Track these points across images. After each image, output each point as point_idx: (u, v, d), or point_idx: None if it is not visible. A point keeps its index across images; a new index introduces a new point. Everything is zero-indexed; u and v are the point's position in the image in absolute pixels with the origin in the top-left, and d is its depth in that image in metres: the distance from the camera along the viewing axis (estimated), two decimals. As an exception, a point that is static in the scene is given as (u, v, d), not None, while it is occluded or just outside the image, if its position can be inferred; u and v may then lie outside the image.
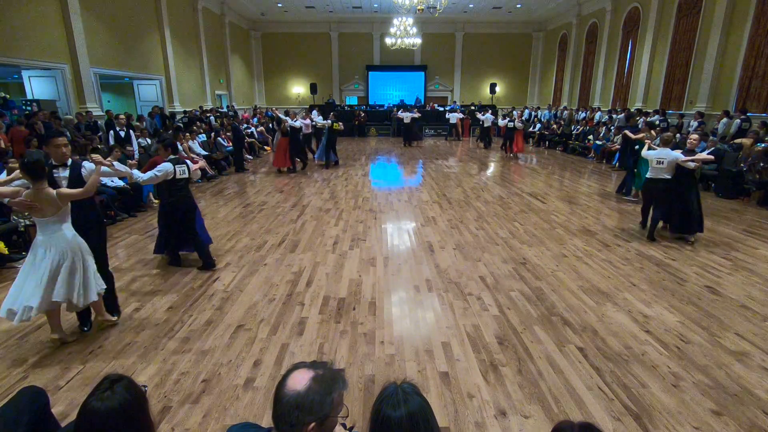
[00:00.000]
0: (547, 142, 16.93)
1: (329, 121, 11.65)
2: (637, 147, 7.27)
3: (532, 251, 5.36)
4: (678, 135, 10.41)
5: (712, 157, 5.86)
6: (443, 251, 5.38)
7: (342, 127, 12.47)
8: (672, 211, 5.64)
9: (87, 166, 3.40)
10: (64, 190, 3.13)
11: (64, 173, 3.33)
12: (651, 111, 13.41)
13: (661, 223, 5.90)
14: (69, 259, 3.14)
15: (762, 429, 2.45)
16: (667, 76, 13.56)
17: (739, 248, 5.45)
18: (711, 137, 9.46)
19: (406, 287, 4.39)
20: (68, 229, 3.19)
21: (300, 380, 1.21)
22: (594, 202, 7.95)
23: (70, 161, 3.39)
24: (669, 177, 5.54)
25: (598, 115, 16.22)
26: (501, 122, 15.30)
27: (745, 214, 7.14)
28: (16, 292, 3.11)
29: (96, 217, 3.65)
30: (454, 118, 19.19)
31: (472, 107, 21.21)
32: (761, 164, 7.62)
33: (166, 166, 4.52)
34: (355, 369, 3.02)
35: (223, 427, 2.47)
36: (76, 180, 3.33)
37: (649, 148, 5.91)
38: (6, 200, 3.04)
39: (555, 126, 16.84)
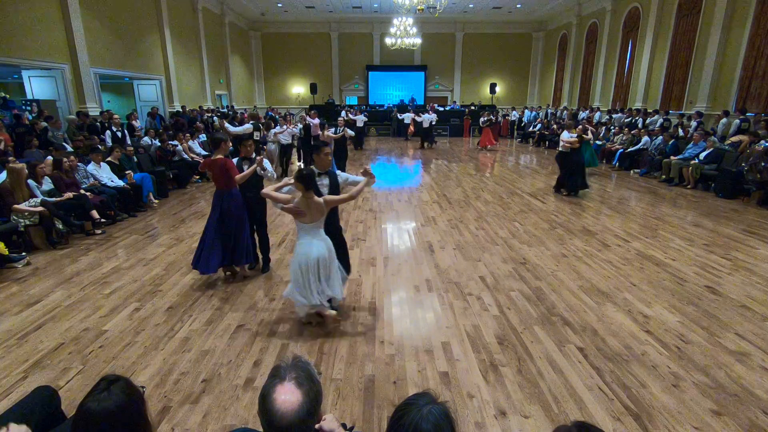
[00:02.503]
0: (547, 142, 16.92)
1: (340, 130, 9.51)
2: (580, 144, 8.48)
3: (532, 251, 5.36)
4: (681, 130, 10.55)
5: (575, 139, 8.22)
6: (443, 251, 5.38)
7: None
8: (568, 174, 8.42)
9: (341, 174, 3.71)
10: (330, 197, 3.38)
11: (324, 180, 3.58)
12: (651, 111, 13.44)
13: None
14: (326, 258, 3.37)
15: (762, 429, 2.45)
16: (667, 76, 13.56)
17: (739, 248, 5.45)
18: (711, 137, 9.46)
19: (406, 287, 4.39)
20: (323, 236, 3.41)
21: (292, 401, 1.13)
22: (594, 202, 7.94)
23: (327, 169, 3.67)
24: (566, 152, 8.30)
25: (597, 115, 16.22)
26: (482, 118, 17.06)
27: (745, 214, 7.14)
28: (292, 288, 3.44)
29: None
30: (408, 118, 18.04)
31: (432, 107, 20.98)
32: (763, 164, 7.61)
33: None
34: (355, 369, 3.02)
35: (223, 427, 2.47)
36: (334, 187, 3.60)
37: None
38: (279, 206, 3.34)
39: (555, 126, 16.83)
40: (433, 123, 16.96)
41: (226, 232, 4.36)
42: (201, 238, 4.45)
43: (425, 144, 16.90)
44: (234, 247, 4.41)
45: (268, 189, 3.42)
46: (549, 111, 19.60)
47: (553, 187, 8.80)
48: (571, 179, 8.36)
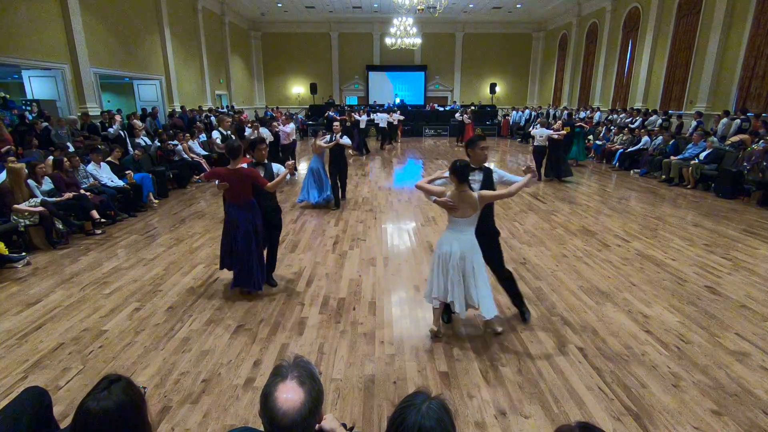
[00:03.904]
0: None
1: (336, 137, 7.36)
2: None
3: (532, 251, 5.36)
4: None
5: (564, 132, 9.89)
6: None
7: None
8: (549, 163, 9.93)
9: (497, 171, 3.47)
10: (485, 192, 3.25)
11: (477, 176, 3.40)
12: (650, 110, 13.45)
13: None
14: (468, 260, 3.22)
15: (762, 429, 2.45)
16: (667, 76, 13.55)
17: (739, 248, 5.45)
18: (711, 138, 9.45)
19: (406, 287, 4.39)
20: (472, 234, 3.27)
21: (294, 400, 1.13)
22: (594, 202, 7.95)
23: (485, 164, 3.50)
24: (545, 145, 9.71)
25: (597, 115, 16.23)
26: (458, 116, 18.29)
27: (745, 214, 7.14)
28: (429, 283, 3.40)
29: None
30: (383, 121, 16.84)
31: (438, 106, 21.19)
32: (764, 163, 7.61)
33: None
34: (355, 369, 3.02)
35: (223, 427, 2.47)
36: (487, 184, 3.38)
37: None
38: (432, 198, 3.26)
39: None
40: (396, 123, 16.95)
41: (236, 251, 4.01)
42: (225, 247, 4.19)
43: (383, 146, 16.58)
44: (241, 268, 4.02)
45: (422, 181, 3.34)
46: (550, 111, 19.60)
47: (544, 174, 10.19)
48: (555, 167, 9.91)
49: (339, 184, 7.58)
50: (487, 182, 3.38)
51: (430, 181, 3.34)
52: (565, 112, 18.04)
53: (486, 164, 3.49)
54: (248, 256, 3.97)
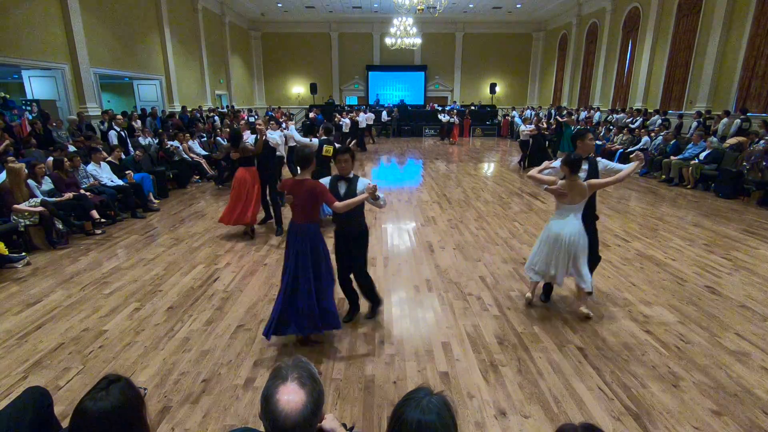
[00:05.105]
0: (547, 142, 16.90)
1: (316, 141, 6.50)
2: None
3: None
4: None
5: (533, 129, 11.51)
6: (443, 251, 5.37)
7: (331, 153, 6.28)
8: (528, 156, 11.51)
9: (602, 161, 3.70)
10: (594, 180, 3.51)
11: (584, 165, 3.60)
12: (651, 111, 13.44)
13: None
14: (575, 243, 3.50)
15: (762, 429, 2.45)
16: (667, 76, 13.55)
17: (739, 248, 5.45)
18: (711, 138, 9.45)
19: (406, 287, 4.39)
20: (579, 219, 3.54)
21: (296, 401, 1.12)
22: (594, 202, 7.94)
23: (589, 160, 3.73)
24: (528, 140, 11.55)
25: (597, 115, 16.22)
26: (441, 117, 18.95)
27: (745, 214, 7.14)
28: (532, 256, 3.76)
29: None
30: (344, 125, 14.10)
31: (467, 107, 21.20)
32: (764, 163, 7.61)
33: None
34: (355, 369, 3.02)
35: (223, 427, 2.47)
36: (592, 173, 3.62)
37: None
38: (544, 186, 3.55)
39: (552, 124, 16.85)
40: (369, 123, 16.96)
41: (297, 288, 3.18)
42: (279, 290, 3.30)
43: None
44: (305, 309, 3.15)
45: (533, 171, 3.64)
46: (551, 111, 19.63)
47: (518, 163, 12.09)
48: (534, 160, 10.94)
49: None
50: (593, 172, 3.62)
51: (539, 172, 3.65)
52: (552, 110, 18.82)
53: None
54: (314, 287, 3.16)
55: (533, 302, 3.93)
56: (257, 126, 5.92)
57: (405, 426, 1.09)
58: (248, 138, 6.24)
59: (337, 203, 3.12)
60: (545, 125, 12.87)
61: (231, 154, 5.96)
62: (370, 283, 3.66)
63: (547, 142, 14.31)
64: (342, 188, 3.38)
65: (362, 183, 3.36)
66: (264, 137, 5.90)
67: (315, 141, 6.47)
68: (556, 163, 3.66)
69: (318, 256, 3.22)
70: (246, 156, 5.78)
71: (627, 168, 3.48)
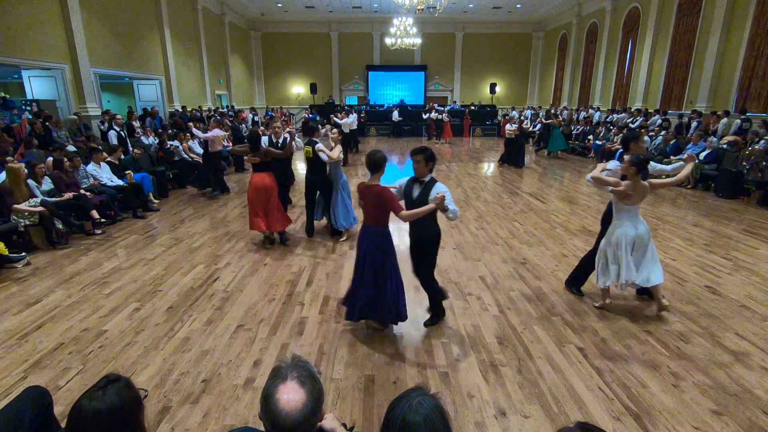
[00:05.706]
0: (530, 140, 16.91)
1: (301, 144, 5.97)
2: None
3: (532, 251, 5.36)
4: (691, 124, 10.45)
5: (515, 130, 12.12)
6: (443, 251, 5.36)
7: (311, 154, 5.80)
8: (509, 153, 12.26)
9: (654, 165, 3.81)
10: (655, 180, 3.58)
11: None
12: (652, 111, 13.45)
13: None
14: (645, 238, 3.60)
15: (762, 429, 2.45)
16: (667, 76, 13.55)
17: (739, 248, 5.45)
18: (711, 138, 9.45)
19: (406, 287, 4.37)
20: (642, 219, 3.66)
21: (296, 401, 1.12)
22: (594, 202, 7.94)
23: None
24: (513, 137, 12.07)
25: (597, 115, 16.23)
26: (433, 115, 18.50)
27: (745, 214, 7.14)
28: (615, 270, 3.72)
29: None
30: (344, 126, 12.66)
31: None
32: (764, 163, 7.61)
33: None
34: (355, 369, 3.02)
35: (223, 427, 2.47)
36: (645, 173, 3.68)
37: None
38: (609, 188, 3.53)
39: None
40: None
41: (367, 281, 3.31)
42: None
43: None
44: (376, 300, 3.31)
45: (595, 172, 3.62)
46: (515, 112, 19.72)
47: (498, 161, 12.64)
48: (512, 157, 12.12)
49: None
50: (644, 172, 3.65)
51: (601, 172, 3.67)
52: (541, 110, 19.52)
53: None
54: (383, 284, 3.29)
55: (606, 305, 3.85)
56: (287, 130, 5.82)
57: (391, 422, 1.10)
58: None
59: (402, 212, 3.07)
60: (528, 126, 14.13)
61: (248, 158, 5.34)
62: (433, 292, 3.57)
63: (530, 140, 16.26)
64: (415, 192, 3.25)
65: (438, 188, 3.16)
66: (294, 140, 5.69)
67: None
68: (611, 164, 3.75)
69: (384, 256, 3.28)
70: (266, 161, 5.33)
71: (685, 169, 3.63)
